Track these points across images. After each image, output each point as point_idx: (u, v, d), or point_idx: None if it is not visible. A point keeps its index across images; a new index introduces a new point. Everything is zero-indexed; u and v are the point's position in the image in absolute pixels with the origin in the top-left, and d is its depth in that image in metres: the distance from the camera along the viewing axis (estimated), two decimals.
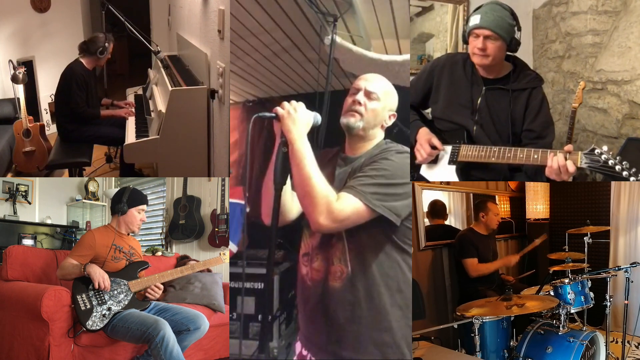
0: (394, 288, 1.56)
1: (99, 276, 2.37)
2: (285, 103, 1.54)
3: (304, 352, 1.69)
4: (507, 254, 4.22)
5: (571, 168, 1.96)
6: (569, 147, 2.01)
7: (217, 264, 2.72)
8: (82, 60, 3.71)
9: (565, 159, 1.97)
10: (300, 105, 1.54)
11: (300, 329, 1.73)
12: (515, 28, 2.22)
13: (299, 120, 1.52)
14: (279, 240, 1.66)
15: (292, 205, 1.64)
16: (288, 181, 1.55)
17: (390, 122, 1.68)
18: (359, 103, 1.62)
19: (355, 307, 1.55)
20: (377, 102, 1.63)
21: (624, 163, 1.92)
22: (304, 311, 1.69)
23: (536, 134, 2.27)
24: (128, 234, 2.68)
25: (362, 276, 1.55)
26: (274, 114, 1.54)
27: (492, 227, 3.44)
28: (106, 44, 3.69)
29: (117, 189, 4.70)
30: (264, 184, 1.66)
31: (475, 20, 2.20)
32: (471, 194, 3.93)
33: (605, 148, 1.95)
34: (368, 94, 1.63)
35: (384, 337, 1.55)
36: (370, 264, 1.55)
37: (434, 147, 2.33)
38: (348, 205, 1.47)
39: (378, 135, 1.67)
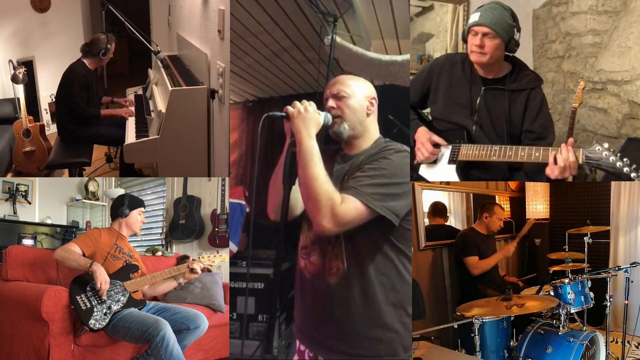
0: (389, 286, 1.56)
1: (103, 277, 2.39)
2: (297, 102, 1.55)
3: (302, 348, 1.70)
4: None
5: (575, 159, 1.95)
6: (570, 140, 1.99)
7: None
8: (84, 60, 3.71)
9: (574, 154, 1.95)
10: (311, 105, 1.55)
11: (296, 322, 1.74)
12: (515, 29, 2.22)
13: (309, 120, 1.52)
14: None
15: (297, 202, 1.64)
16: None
17: (374, 108, 1.67)
18: (332, 108, 1.62)
19: (350, 303, 1.56)
20: (347, 98, 1.62)
21: (624, 160, 1.93)
22: (302, 304, 1.70)
23: (536, 135, 2.26)
24: (128, 237, 2.76)
25: (357, 274, 1.55)
26: (284, 113, 1.54)
27: (493, 230, 3.45)
28: (108, 45, 3.70)
29: (116, 190, 4.74)
30: (271, 182, 1.67)
31: (474, 17, 2.21)
32: (471, 194, 3.93)
33: (606, 145, 1.95)
34: (335, 96, 1.63)
35: (378, 334, 1.56)
36: (367, 263, 1.55)
37: (435, 145, 2.32)
38: (351, 209, 1.47)
39: (370, 126, 1.66)
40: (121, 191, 4.63)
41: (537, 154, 2.05)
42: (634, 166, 1.93)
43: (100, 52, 3.67)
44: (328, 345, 1.60)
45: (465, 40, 2.32)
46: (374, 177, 1.51)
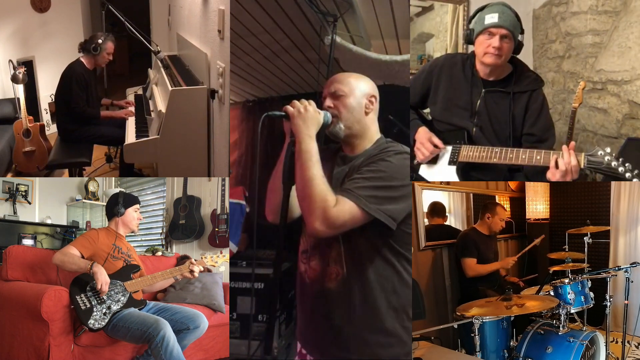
0: (389, 290, 1.53)
1: (104, 278, 2.39)
2: (296, 102, 1.52)
3: (303, 351, 1.69)
4: (507, 254, 4.22)
5: (577, 163, 1.94)
6: (572, 144, 1.97)
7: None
8: (82, 59, 3.72)
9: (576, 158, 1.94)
10: (311, 104, 1.52)
11: (298, 326, 1.73)
12: (520, 31, 2.22)
13: (309, 119, 1.49)
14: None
15: (296, 203, 1.60)
16: None
17: (374, 107, 1.63)
18: (330, 107, 1.59)
19: (350, 308, 1.53)
20: (345, 96, 1.59)
21: (626, 165, 1.90)
22: (302, 309, 1.68)
23: (537, 137, 2.24)
24: (126, 236, 2.75)
25: (357, 278, 1.53)
26: (283, 113, 1.52)
27: (494, 230, 3.45)
28: (99, 41, 3.69)
29: (116, 190, 4.73)
30: (269, 182, 1.65)
31: (492, 18, 2.16)
32: (471, 194, 3.93)
33: (608, 149, 1.93)
34: (333, 95, 1.60)
35: (379, 339, 1.53)
36: (366, 267, 1.52)
37: (435, 146, 2.32)
38: (345, 211, 1.43)
39: (370, 126, 1.62)
40: None
41: (538, 157, 2.03)
42: (636, 171, 1.90)
43: (92, 47, 3.67)
44: (329, 351, 1.58)
45: (470, 42, 2.28)
46: (370, 180, 1.47)
